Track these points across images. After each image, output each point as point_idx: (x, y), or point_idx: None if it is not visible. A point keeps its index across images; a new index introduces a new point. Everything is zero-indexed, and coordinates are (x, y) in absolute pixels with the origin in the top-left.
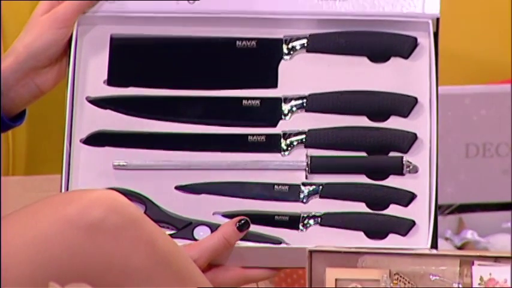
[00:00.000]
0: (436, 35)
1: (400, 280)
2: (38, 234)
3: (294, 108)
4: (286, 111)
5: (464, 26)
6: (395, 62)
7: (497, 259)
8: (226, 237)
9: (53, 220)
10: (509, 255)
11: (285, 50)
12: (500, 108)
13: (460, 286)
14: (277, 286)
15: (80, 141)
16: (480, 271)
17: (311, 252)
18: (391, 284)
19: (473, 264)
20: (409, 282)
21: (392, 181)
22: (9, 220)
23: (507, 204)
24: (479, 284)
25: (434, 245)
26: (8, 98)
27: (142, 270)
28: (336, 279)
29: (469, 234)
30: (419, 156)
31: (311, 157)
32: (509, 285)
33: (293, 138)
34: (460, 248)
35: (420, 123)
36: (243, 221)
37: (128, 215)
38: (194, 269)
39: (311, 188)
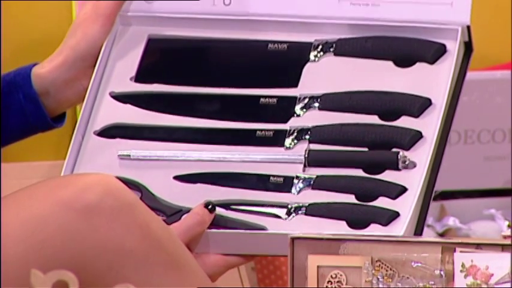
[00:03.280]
0: (468, 43)
1: (382, 267)
2: (33, 216)
3: (307, 107)
4: (299, 109)
5: None
6: (419, 66)
7: (478, 246)
8: (199, 213)
9: (49, 202)
10: (490, 242)
11: (313, 54)
12: (482, 95)
13: (442, 273)
14: (258, 274)
15: (94, 133)
16: (462, 258)
17: (293, 239)
18: (373, 271)
19: (455, 251)
20: (391, 269)
21: (387, 176)
22: (5, 201)
23: (488, 191)
24: (460, 270)
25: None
26: (55, 100)
27: (136, 253)
28: (318, 266)
29: (451, 221)
30: (419, 153)
31: (309, 151)
32: (491, 272)
33: (298, 134)
34: (441, 234)
35: (429, 123)
36: (210, 205)
37: (123, 199)
38: (187, 254)
39: (304, 179)
